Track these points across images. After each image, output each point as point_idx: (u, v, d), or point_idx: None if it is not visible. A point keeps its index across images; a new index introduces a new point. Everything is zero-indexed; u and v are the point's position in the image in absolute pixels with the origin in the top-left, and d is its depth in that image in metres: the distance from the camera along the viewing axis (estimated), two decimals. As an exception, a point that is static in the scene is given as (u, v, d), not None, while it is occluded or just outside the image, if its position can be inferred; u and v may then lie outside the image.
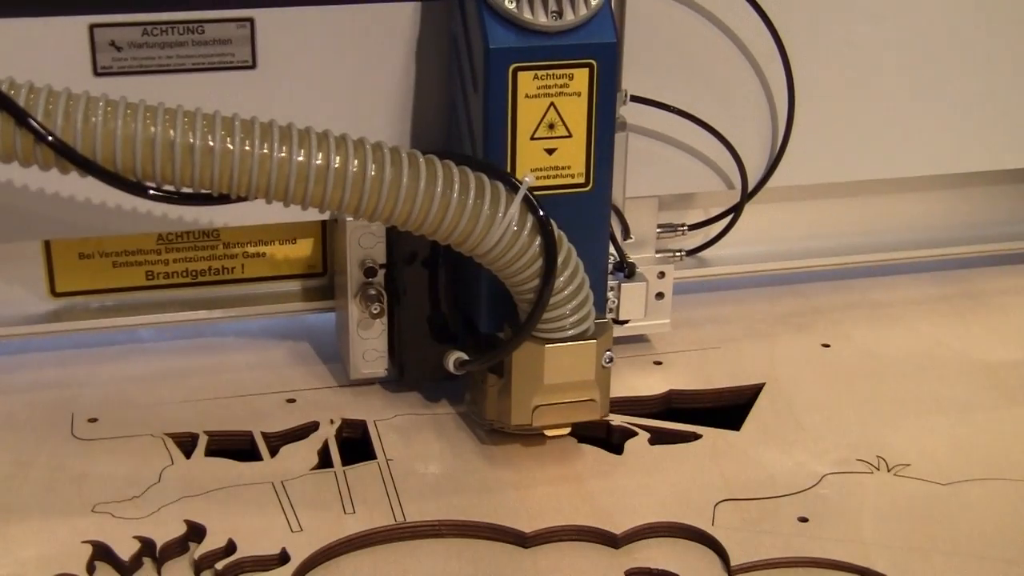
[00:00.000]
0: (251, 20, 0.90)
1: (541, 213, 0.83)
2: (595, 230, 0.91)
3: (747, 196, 1.07)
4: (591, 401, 0.90)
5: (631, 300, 1.01)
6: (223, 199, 0.79)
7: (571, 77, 0.86)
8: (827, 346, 1.09)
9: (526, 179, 0.83)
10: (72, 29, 0.88)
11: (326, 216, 0.99)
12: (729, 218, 1.10)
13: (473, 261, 0.85)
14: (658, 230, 1.08)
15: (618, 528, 0.85)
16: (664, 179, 1.05)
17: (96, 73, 0.89)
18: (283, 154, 0.77)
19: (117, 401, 0.97)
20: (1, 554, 0.80)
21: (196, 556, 0.81)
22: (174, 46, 0.89)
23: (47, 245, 0.99)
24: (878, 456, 0.94)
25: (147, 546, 0.82)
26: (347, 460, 0.92)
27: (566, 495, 0.88)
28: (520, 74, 0.85)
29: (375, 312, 0.96)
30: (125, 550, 0.81)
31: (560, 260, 0.84)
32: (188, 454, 0.92)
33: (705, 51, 1.02)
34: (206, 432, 0.94)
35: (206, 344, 1.06)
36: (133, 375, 1.01)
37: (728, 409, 1.00)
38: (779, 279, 1.18)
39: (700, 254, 1.13)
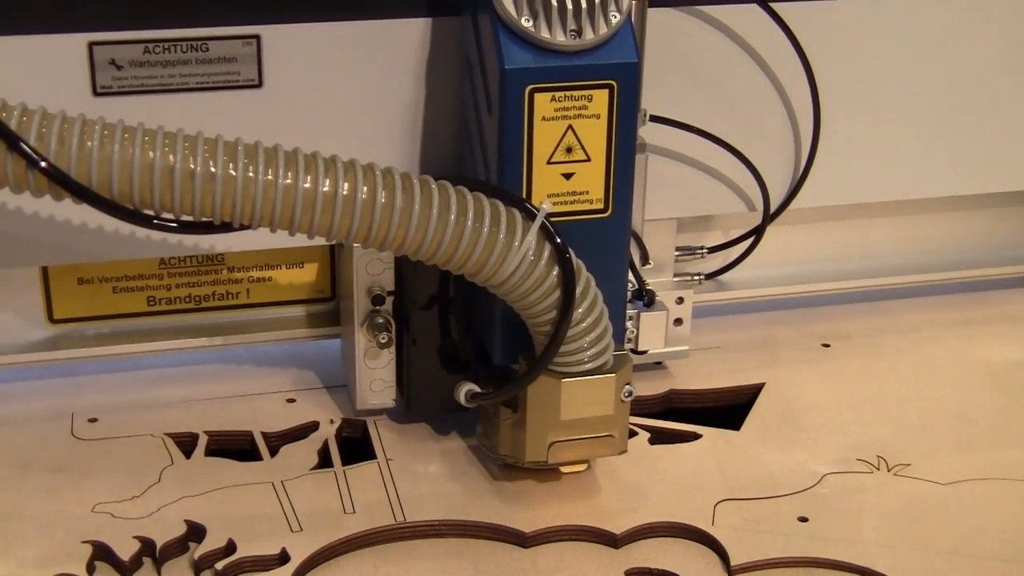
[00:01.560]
0: (257, 37, 0.87)
1: (559, 241, 0.79)
2: (614, 258, 0.87)
3: (770, 218, 1.03)
4: (609, 436, 0.86)
5: (651, 330, 0.98)
6: (225, 227, 0.77)
7: (590, 99, 0.83)
8: (827, 346, 1.09)
9: (543, 206, 0.79)
10: (70, 47, 0.84)
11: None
12: (750, 240, 1.06)
13: (486, 291, 0.82)
14: (676, 253, 1.04)
15: (618, 528, 0.85)
16: (683, 201, 1.01)
17: (95, 93, 0.85)
18: (288, 181, 0.74)
19: (117, 401, 0.97)
20: (1, 554, 0.80)
21: (196, 556, 0.81)
22: (177, 64, 0.86)
23: (44, 270, 0.96)
24: (878, 456, 0.94)
25: (147, 546, 0.82)
26: (347, 460, 0.92)
27: (566, 495, 0.88)
28: (537, 95, 0.82)
29: (383, 341, 0.92)
30: (125, 550, 0.81)
31: (579, 291, 0.80)
32: (188, 454, 0.92)
33: (726, 69, 0.98)
34: (206, 432, 0.94)
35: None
36: (133, 375, 1.01)
37: (728, 409, 1.00)
38: (801, 302, 1.13)
39: (720, 277, 1.09)
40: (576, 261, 0.81)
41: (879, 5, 1.00)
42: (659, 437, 0.96)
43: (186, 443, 0.93)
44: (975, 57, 1.04)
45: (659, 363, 1.04)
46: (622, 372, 0.85)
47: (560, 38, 0.81)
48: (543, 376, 0.83)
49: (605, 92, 0.83)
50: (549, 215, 0.80)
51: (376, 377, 0.94)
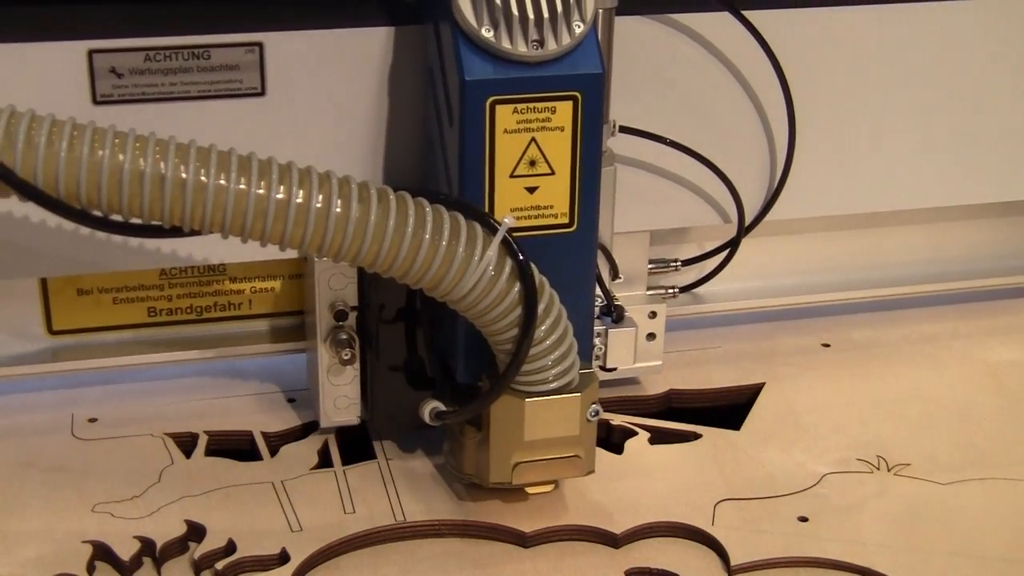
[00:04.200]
0: (260, 45, 0.85)
1: (521, 257, 0.77)
2: (580, 273, 0.85)
3: (745, 230, 1.01)
4: (576, 457, 0.84)
5: (619, 347, 0.96)
6: (175, 232, 0.74)
7: (553, 111, 0.80)
8: (827, 346, 1.09)
9: (505, 220, 0.77)
10: (70, 55, 0.82)
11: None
12: (725, 253, 1.04)
13: (449, 306, 0.80)
14: (650, 266, 1.02)
15: (618, 528, 0.85)
16: (656, 213, 0.99)
17: (95, 101, 0.84)
18: (241, 186, 0.72)
19: (117, 401, 0.97)
20: (1, 554, 0.80)
21: (196, 556, 0.81)
22: (178, 72, 0.84)
23: (43, 281, 0.95)
24: (878, 456, 0.94)
25: (147, 546, 0.82)
26: (347, 460, 0.92)
27: (566, 495, 0.88)
28: (499, 107, 0.79)
29: (346, 358, 0.90)
30: (125, 550, 0.81)
31: (541, 308, 0.78)
32: (188, 454, 0.92)
33: (699, 78, 0.96)
34: (206, 432, 0.94)
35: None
36: (133, 375, 1.01)
37: (728, 409, 1.00)
38: (775, 315, 1.11)
39: (695, 290, 1.07)
40: (539, 277, 0.79)
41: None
42: (659, 437, 0.96)
43: (186, 443, 0.93)
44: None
45: (633, 380, 1.01)
46: (588, 391, 0.83)
47: (522, 48, 0.79)
48: (506, 395, 0.81)
49: (569, 104, 0.80)
50: (511, 230, 0.78)
51: (340, 394, 0.92)
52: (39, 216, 0.86)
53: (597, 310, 0.94)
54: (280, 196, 0.73)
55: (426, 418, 0.86)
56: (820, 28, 0.98)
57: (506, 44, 0.79)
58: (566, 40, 0.79)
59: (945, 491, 0.90)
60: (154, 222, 0.73)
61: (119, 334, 0.98)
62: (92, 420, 0.95)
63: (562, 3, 0.79)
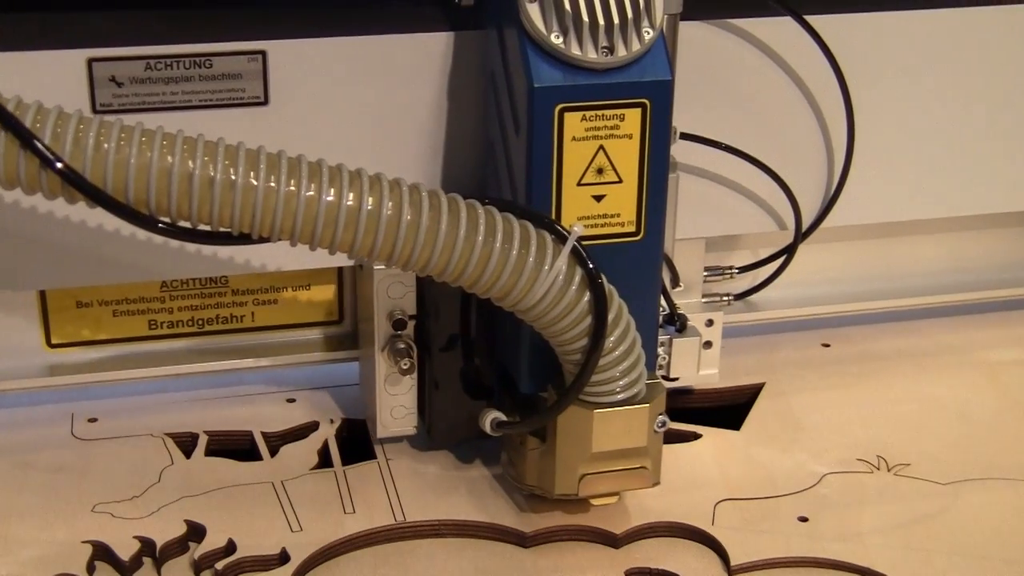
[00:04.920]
0: (263, 53, 0.84)
1: (591, 266, 0.76)
2: (646, 282, 0.84)
3: (802, 236, 1.00)
4: (642, 469, 0.83)
5: (683, 356, 0.94)
6: (243, 239, 0.74)
7: (622, 118, 0.79)
8: (827, 346, 1.09)
9: (575, 228, 0.76)
10: (69, 63, 0.81)
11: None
12: (781, 260, 1.02)
13: (513, 315, 0.79)
14: (704, 274, 1.01)
15: (618, 528, 0.85)
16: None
17: (95, 110, 0.82)
18: (311, 192, 0.72)
19: (117, 401, 0.97)
20: (1, 554, 0.80)
21: (196, 556, 0.81)
22: (180, 81, 0.83)
23: (42, 293, 0.93)
24: (878, 456, 0.94)
25: (147, 546, 0.82)
26: (347, 460, 0.92)
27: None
28: (567, 115, 0.78)
29: (405, 368, 0.88)
30: (125, 550, 0.81)
31: (611, 318, 0.77)
32: (188, 454, 0.92)
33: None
34: (206, 432, 0.94)
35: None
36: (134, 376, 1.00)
37: (728, 409, 1.00)
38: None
39: (749, 298, 1.05)
40: (608, 287, 0.77)
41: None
42: (659, 437, 0.96)
43: (186, 443, 0.93)
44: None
45: (688, 389, 1.00)
46: (655, 402, 0.82)
47: (591, 55, 0.78)
48: (573, 406, 0.80)
49: (638, 111, 0.79)
50: (580, 238, 0.76)
51: (397, 404, 0.91)
52: (37, 226, 0.85)
53: (660, 319, 0.92)
54: (350, 203, 0.72)
55: (487, 428, 0.85)
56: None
57: (575, 51, 0.78)
58: (636, 47, 0.78)
59: (945, 491, 0.90)
60: (222, 228, 0.73)
61: (119, 347, 0.96)
62: (92, 420, 0.95)
63: (632, 9, 0.78)
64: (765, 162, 0.97)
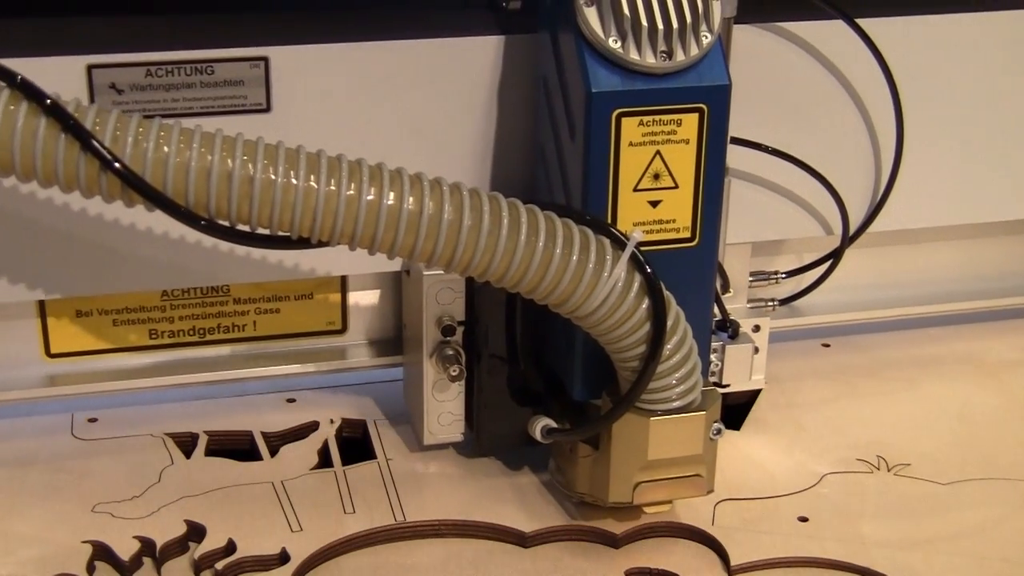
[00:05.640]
0: (265, 59, 0.83)
1: (650, 272, 0.75)
2: (700, 289, 0.83)
3: (849, 241, 1.00)
4: (697, 477, 0.82)
5: (736, 363, 0.94)
6: (302, 243, 0.73)
7: (679, 123, 0.79)
8: (827, 346, 1.09)
9: (634, 234, 0.75)
10: (68, 70, 0.80)
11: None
12: (827, 264, 1.02)
13: (565, 322, 0.78)
14: (750, 279, 1.00)
15: (618, 528, 0.85)
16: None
17: None
18: (371, 197, 0.71)
19: (117, 401, 0.97)
20: (1, 554, 0.80)
21: (196, 556, 0.81)
22: (180, 88, 0.83)
23: (41, 303, 0.92)
24: (878, 456, 0.94)
25: (147, 546, 0.82)
26: (347, 460, 0.91)
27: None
28: (624, 120, 0.78)
29: (454, 374, 0.87)
30: (125, 550, 0.81)
31: (668, 325, 0.77)
32: (188, 454, 0.92)
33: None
34: (206, 432, 0.94)
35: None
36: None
37: (728, 409, 1.00)
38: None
39: (794, 303, 1.05)
40: (666, 293, 0.77)
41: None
42: (659, 437, 0.95)
43: (186, 443, 0.93)
44: None
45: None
46: (711, 410, 0.81)
47: (650, 60, 0.77)
48: (629, 414, 0.80)
49: (695, 116, 0.79)
50: (639, 244, 0.76)
51: (445, 410, 0.90)
52: (36, 236, 0.85)
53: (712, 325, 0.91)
54: (411, 207, 0.72)
55: (537, 436, 0.84)
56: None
57: (634, 55, 0.77)
58: (694, 51, 0.78)
59: (945, 491, 0.90)
60: (281, 232, 0.72)
61: (119, 357, 0.95)
62: (92, 420, 0.95)
63: (691, 13, 0.77)
64: (812, 165, 0.96)
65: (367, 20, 0.87)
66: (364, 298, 0.98)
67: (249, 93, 0.84)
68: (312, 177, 0.71)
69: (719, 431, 0.82)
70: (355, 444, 0.94)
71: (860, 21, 0.93)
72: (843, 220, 0.99)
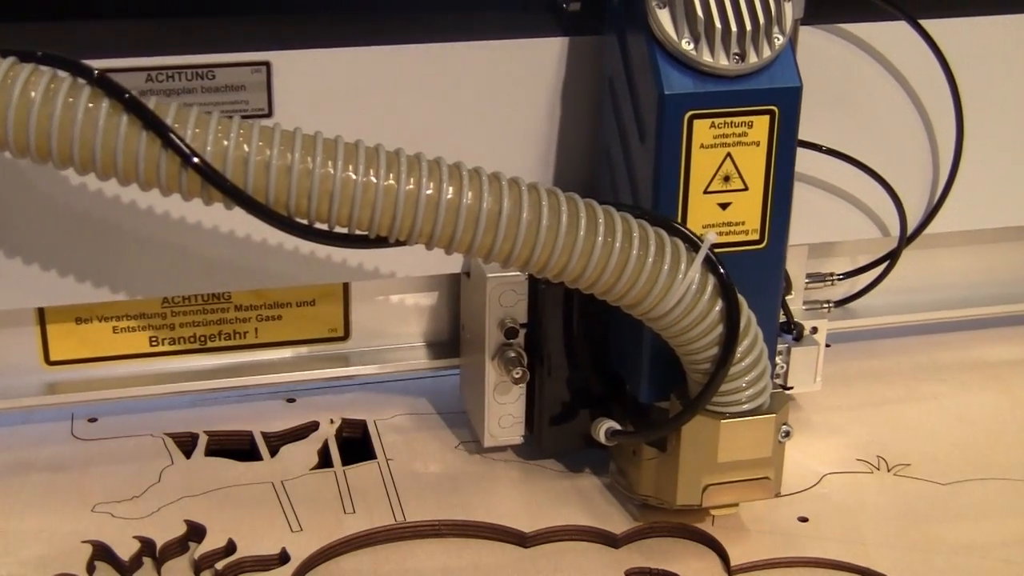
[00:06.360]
0: (267, 64, 0.83)
1: (723, 274, 0.75)
2: (768, 291, 0.83)
3: (906, 242, 0.99)
4: (765, 479, 0.82)
5: (801, 366, 0.94)
6: (379, 242, 0.73)
7: (750, 125, 0.79)
8: (828, 346, 1.09)
9: (708, 236, 0.75)
10: None
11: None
12: (883, 266, 1.01)
13: (631, 324, 0.78)
14: (806, 280, 0.99)
15: (618, 528, 0.85)
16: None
17: None
18: (450, 196, 0.71)
19: (117, 401, 0.97)
20: (1, 554, 0.80)
21: (196, 556, 0.81)
22: (181, 93, 0.82)
23: (40, 309, 0.91)
24: (878, 456, 0.94)
25: (147, 546, 0.82)
26: (347, 460, 0.91)
27: (566, 495, 0.88)
28: (696, 122, 0.78)
29: (517, 376, 0.87)
30: (125, 550, 0.81)
31: (741, 327, 0.76)
32: (188, 454, 0.92)
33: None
34: (206, 432, 0.94)
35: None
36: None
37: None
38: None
39: (848, 305, 1.04)
40: (739, 296, 0.76)
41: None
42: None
43: (186, 443, 0.93)
44: None
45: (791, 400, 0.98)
46: (781, 412, 0.81)
47: (723, 62, 0.77)
48: (700, 416, 0.79)
49: (766, 118, 0.79)
50: (713, 246, 0.76)
51: (505, 412, 0.90)
52: (34, 243, 0.85)
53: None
54: (489, 206, 0.72)
55: (601, 438, 0.84)
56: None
57: (707, 57, 0.77)
58: (767, 53, 0.78)
59: (945, 491, 0.90)
60: (359, 231, 0.72)
61: (119, 364, 0.95)
62: (92, 420, 0.95)
63: (764, 15, 0.77)
64: (869, 166, 0.95)
65: (367, 23, 0.87)
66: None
67: (251, 98, 0.84)
68: (391, 175, 0.71)
69: (787, 433, 0.82)
70: (355, 444, 0.94)
71: (921, 21, 0.92)
72: (901, 221, 0.98)
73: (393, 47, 0.85)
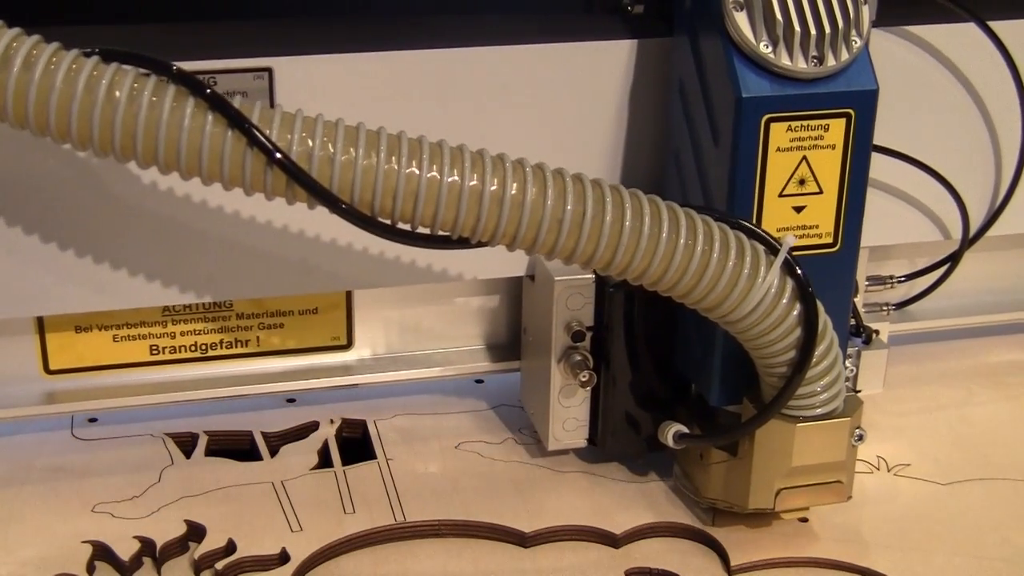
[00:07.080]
0: (269, 70, 0.82)
1: (802, 277, 0.75)
2: (840, 294, 0.83)
3: (968, 244, 0.99)
4: (837, 483, 0.82)
5: (871, 369, 0.94)
6: (462, 243, 0.73)
7: (826, 128, 0.79)
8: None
9: (787, 239, 0.75)
10: None
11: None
12: (943, 269, 1.01)
13: (702, 328, 0.79)
14: (866, 283, 0.99)
15: (618, 528, 0.85)
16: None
17: None
18: (533, 198, 0.71)
19: (117, 401, 0.97)
20: (1, 554, 0.80)
21: (196, 556, 0.81)
22: None
23: (39, 318, 0.90)
24: (878, 456, 0.93)
25: (147, 546, 0.82)
26: (347, 460, 0.92)
27: (567, 495, 0.88)
28: (773, 125, 0.77)
29: (583, 380, 0.87)
30: (125, 550, 0.81)
31: (819, 330, 0.76)
32: (188, 454, 0.92)
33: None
34: (206, 432, 0.94)
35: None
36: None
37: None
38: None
39: (908, 307, 1.04)
40: (817, 300, 0.76)
41: None
42: (659, 437, 0.95)
43: (186, 443, 0.93)
44: None
45: None
46: (855, 416, 0.80)
47: (801, 65, 0.77)
48: (773, 420, 0.79)
49: (842, 121, 0.79)
50: (791, 249, 0.75)
51: (570, 416, 0.90)
52: (34, 251, 0.84)
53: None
54: (572, 208, 0.71)
55: (669, 442, 0.84)
56: None
57: (785, 60, 0.77)
58: (844, 56, 0.78)
59: (945, 491, 0.90)
60: (442, 232, 0.72)
61: (119, 373, 0.94)
62: (92, 420, 0.95)
63: (843, 18, 0.77)
64: (933, 168, 0.95)
65: (368, 27, 0.86)
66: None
67: None
68: (476, 176, 0.71)
69: (861, 437, 0.81)
70: (355, 444, 0.94)
71: (989, 23, 0.91)
72: (963, 223, 0.98)
73: (392, 53, 0.85)
